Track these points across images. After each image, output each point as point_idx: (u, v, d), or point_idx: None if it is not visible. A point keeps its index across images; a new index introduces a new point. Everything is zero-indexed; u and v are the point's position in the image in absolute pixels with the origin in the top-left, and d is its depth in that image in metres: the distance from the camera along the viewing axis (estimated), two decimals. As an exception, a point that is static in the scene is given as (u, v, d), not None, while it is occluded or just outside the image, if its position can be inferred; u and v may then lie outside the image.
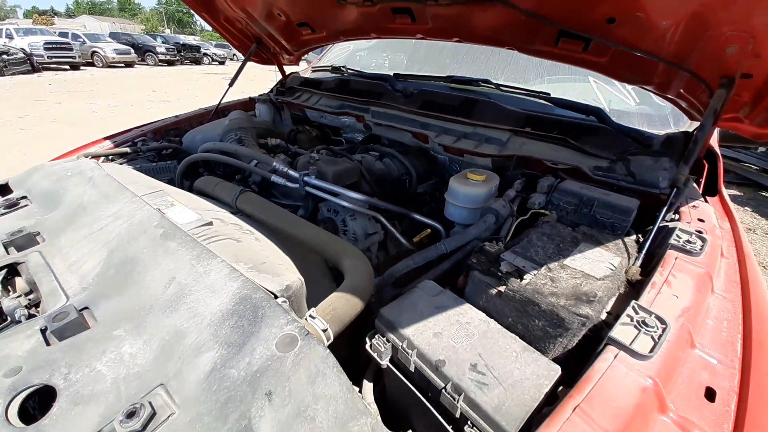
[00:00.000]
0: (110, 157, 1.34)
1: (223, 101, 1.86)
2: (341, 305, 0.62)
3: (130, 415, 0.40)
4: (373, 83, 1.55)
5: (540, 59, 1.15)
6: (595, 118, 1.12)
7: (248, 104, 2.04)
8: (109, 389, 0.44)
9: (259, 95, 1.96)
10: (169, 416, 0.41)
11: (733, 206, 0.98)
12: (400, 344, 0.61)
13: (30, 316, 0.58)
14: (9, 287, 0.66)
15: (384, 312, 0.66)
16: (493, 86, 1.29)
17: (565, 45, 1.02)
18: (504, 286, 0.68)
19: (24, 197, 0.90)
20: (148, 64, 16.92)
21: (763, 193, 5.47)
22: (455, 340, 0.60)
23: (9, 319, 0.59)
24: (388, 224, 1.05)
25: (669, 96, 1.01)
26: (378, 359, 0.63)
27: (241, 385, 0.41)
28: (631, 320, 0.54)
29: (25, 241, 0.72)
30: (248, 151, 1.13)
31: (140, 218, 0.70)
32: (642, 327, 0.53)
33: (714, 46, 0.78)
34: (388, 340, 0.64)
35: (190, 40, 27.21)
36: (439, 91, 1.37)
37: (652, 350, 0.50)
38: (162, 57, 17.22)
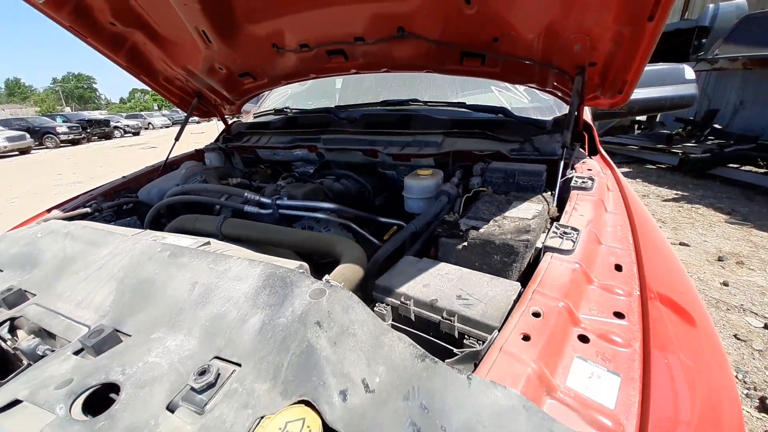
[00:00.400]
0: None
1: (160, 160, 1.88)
2: (348, 271, 0.74)
3: (202, 372, 0.47)
4: (318, 116, 1.74)
5: (453, 77, 1.45)
6: (503, 115, 1.43)
7: (195, 157, 2.08)
8: (167, 371, 0.50)
9: (206, 146, 2.03)
10: (233, 371, 0.49)
11: (628, 180, 1.29)
12: (399, 300, 0.74)
13: (52, 351, 0.60)
14: (15, 337, 0.66)
15: (379, 282, 0.79)
16: (421, 103, 1.56)
17: (468, 62, 1.31)
18: (467, 241, 0.86)
19: None
20: (48, 147, 15.46)
21: (648, 166, 6.66)
22: (440, 286, 0.75)
23: (25, 361, 0.60)
24: (359, 229, 1.19)
25: (548, 89, 1.34)
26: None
27: (293, 324, 0.50)
28: (556, 234, 0.75)
29: (17, 297, 0.72)
30: (218, 187, 1.22)
31: (141, 249, 0.76)
32: (564, 236, 0.74)
33: (566, 46, 1.11)
34: (387, 304, 0.77)
35: (96, 114, 25.68)
36: (379, 112, 1.60)
37: (573, 247, 0.70)
38: (64, 137, 15.84)
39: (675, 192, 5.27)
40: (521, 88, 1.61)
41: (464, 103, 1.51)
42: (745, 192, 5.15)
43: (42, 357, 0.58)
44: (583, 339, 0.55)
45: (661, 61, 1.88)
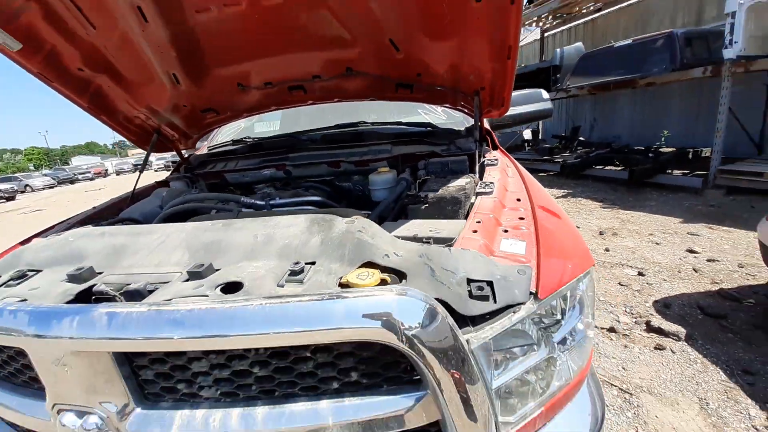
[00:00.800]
0: None
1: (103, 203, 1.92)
2: (356, 216, 1.05)
3: (296, 263, 0.73)
4: (282, 140, 2.03)
5: (389, 102, 1.90)
6: (431, 128, 1.91)
7: (157, 188, 2.16)
8: (266, 274, 0.73)
9: (169, 176, 2.14)
10: (312, 266, 0.76)
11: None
12: None
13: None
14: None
15: None
16: (369, 124, 1.97)
17: (401, 91, 1.78)
18: (427, 202, 1.24)
19: (28, 271, 0.95)
20: None
21: (540, 174, 8.08)
22: (416, 229, 1.10)
23: (119, 301, 0.76)
24: None
25: (458, 108, 1.87)
26: None
27: (343, 234, 0.80)
28: (482, 186, 1.18)
29: (89, 274, 0.85)
30: (216, 195, 1.42)
31: (193, 226, 0.95)
32: (485, 186, 1.17)
33: (465, 77, 1.62)
34: None
35: (-46, 181, 21.42)
36: (335, 133, 1.96)
37: (492, 191, 1.14)
38: None
39: (563, 191, 6.55)
40: (439, 108, 2.14)
41: (401, 121, 1.97)
42: (610, 184, 6.66)
43: (151, 291, 0.75)
44: (505, 231, 0.95)
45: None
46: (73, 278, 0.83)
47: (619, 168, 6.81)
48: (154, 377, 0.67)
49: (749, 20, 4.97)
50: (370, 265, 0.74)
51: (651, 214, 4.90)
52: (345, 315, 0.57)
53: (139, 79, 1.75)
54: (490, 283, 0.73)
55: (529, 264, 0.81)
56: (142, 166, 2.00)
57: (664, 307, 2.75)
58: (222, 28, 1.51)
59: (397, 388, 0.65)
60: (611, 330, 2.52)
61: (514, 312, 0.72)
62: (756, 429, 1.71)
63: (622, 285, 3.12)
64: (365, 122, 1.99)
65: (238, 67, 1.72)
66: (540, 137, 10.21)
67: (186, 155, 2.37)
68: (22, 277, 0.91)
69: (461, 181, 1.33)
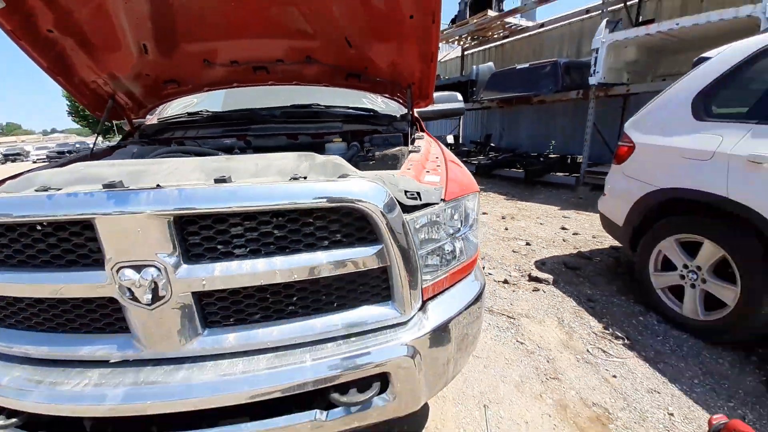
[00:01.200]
0: None
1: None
2: None
3: (295, 175, 1.11)
4: (243, 114, 2.28)
5: (339, 90, 2.31)
6: (374, 113, 2.38)
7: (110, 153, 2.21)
8: (273, 179, 1.10)
9: (121, 142, 2.21)
10: (305, 178, 1.14)
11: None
12: None
13: None
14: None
15: None
16: (323, 106, 2.35)
17: (350, 80, 2.20)
18: (373, 160, 1.69)
19: (49, 188, 1.11)
20: None
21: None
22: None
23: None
24: None
25: (394, 98, 2.37)
26: None
27: (324, 161, 1.19)
28: (412, 149, 1.68)
29: (121, 185, 1.07)
30: (197, 149, 1.66)
31: (198, 160, 1.24)
32: (415, 149, 1.67)
33: (401, 73, 2.12)
34: None
35: None
36: (293, 110, 2.29)
37: (419, 151, 1.64)
38: None
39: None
40: (380, 99, 2.63)
41: (349, 106, 2.40)
42: (512, 182, 7.95)
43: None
44: (427, 171, 1.46)
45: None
46: (109, 187, 1.04)
47: (519, 169, 8.22)
48: (200, 240, 0.99)
49: (609, 55, 6.53)
50: (344, 175, 1.16)
51: (539, 204, 6.13)
52: (339, 191, 0.99)
53: (106, 45, 1.86)
54: (417, 193, 1.21)
55: (441, 186, 1.31)
56: (99, 129, 2.07)
57: (541, 264, 3.64)
58: (199, 8, 1.75)
59: (363, 244, 1.08)
60: (505, 282, 3.28)
61: (431, 207, 1.21)
62: (594, 333, 2.51)
63: (514, 252, 3.99)
64: (319, 105, 2.37)
65: (208, 44, 1.95)
66: (460, 142, 11.56)
67: (137, 124, 2.44)
68: (46, 191, 1.08)
69: (399, 147, 1.82)
